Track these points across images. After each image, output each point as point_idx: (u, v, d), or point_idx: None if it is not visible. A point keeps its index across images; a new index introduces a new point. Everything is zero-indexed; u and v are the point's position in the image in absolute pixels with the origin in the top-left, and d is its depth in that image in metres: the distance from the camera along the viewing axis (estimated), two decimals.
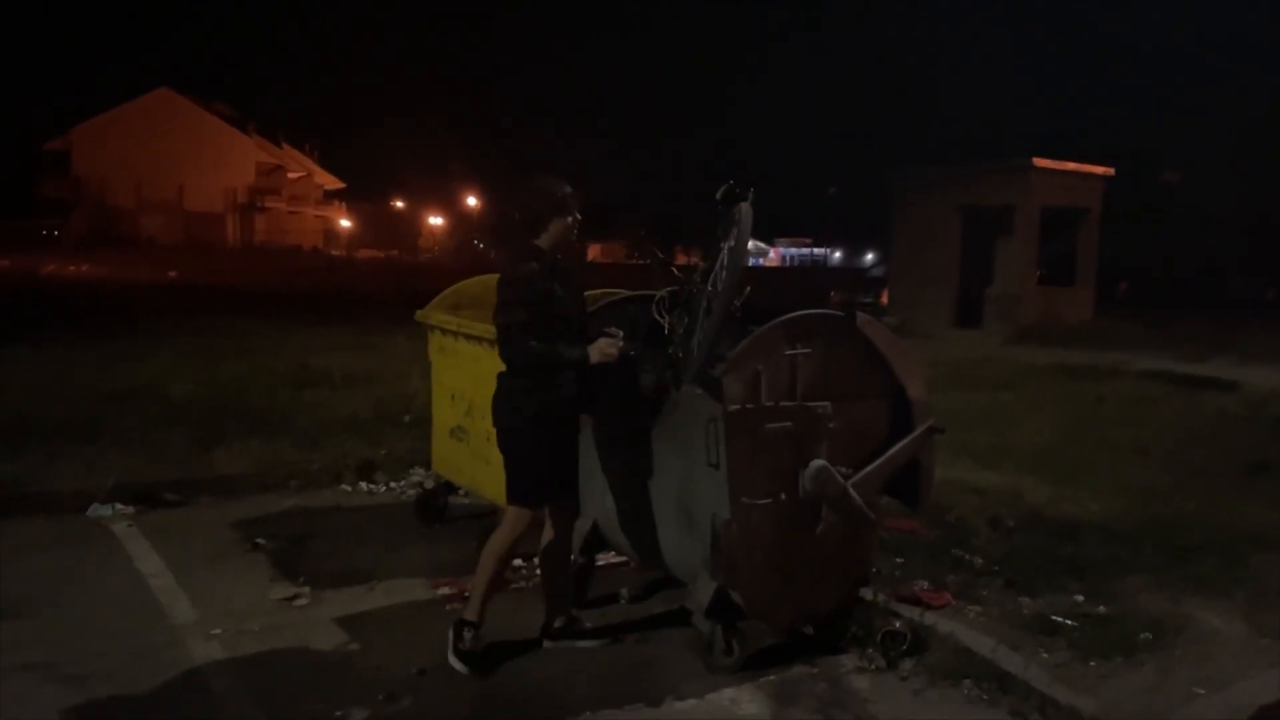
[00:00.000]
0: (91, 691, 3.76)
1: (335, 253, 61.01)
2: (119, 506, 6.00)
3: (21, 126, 61.30)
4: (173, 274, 31.08)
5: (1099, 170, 21.65)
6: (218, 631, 4.34)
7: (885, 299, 25.06)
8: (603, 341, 3.94)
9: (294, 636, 4.34)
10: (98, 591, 4.78)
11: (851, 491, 4.13)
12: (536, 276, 3.88)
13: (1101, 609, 4.66)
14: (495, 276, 4.20)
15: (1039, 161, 20.34)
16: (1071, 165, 21.18)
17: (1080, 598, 4.80)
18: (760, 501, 3.99)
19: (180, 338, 12.86)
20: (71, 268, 32.84)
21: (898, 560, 5.23)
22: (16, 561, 5.13)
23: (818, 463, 4.06)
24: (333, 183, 76.87)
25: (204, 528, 5.79)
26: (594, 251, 70.94)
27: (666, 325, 4.47)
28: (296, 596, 4.78)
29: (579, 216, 4.00)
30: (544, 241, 3.97)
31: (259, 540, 5.56)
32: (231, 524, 5.86)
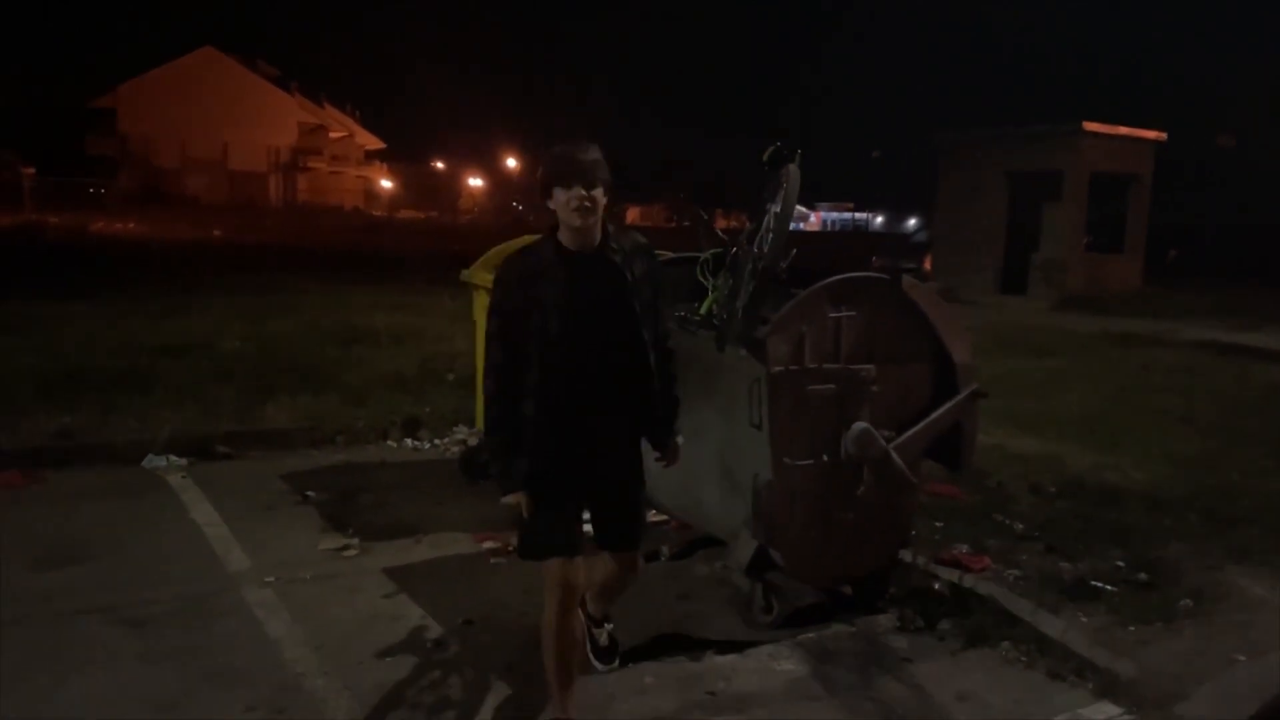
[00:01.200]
0: (153, 633, 3.91)
1: (376, 213, 61.39)
2: (173, 458, 6.16)
3: (68, 84, 62.00)
4: (217, 232, 31.42)
5: (1150, 135, 21.19)
6: (271, 579, 4.47)
7: (928, 264, 24.81)
8: (513, 498, 3.00)
9: (344, 585, 4.46)
10: (155, 539, 4.94)
11: (893, 454, 4.15)
12: (512, 269, 3.01)
13: (1142, 575, 4.67)
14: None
15: (1089, 126, 19.94)
16: (1123, 130, 20.74)
17: (1121, 564, 4.81)
18: (802, 462, 4.03)
19: (227, 295, 13.06)
20: (119, 225, 33.29)
21: (938, 524, 5.25)
22: (77, 510, 5.30)
23: (860, 425, 4.08)
24: (374, 143, 77.21)
25: (255, 480, 5.94)
26: (633, 214, 70.76)
27: (711, 287, 4.50)
28: (346, 547, 4.90)
29: (588, 193, 2.89)
30: (554, 217, 3.01)
31: (308, 493, 5.69)
32: (281, 476, 6.00)
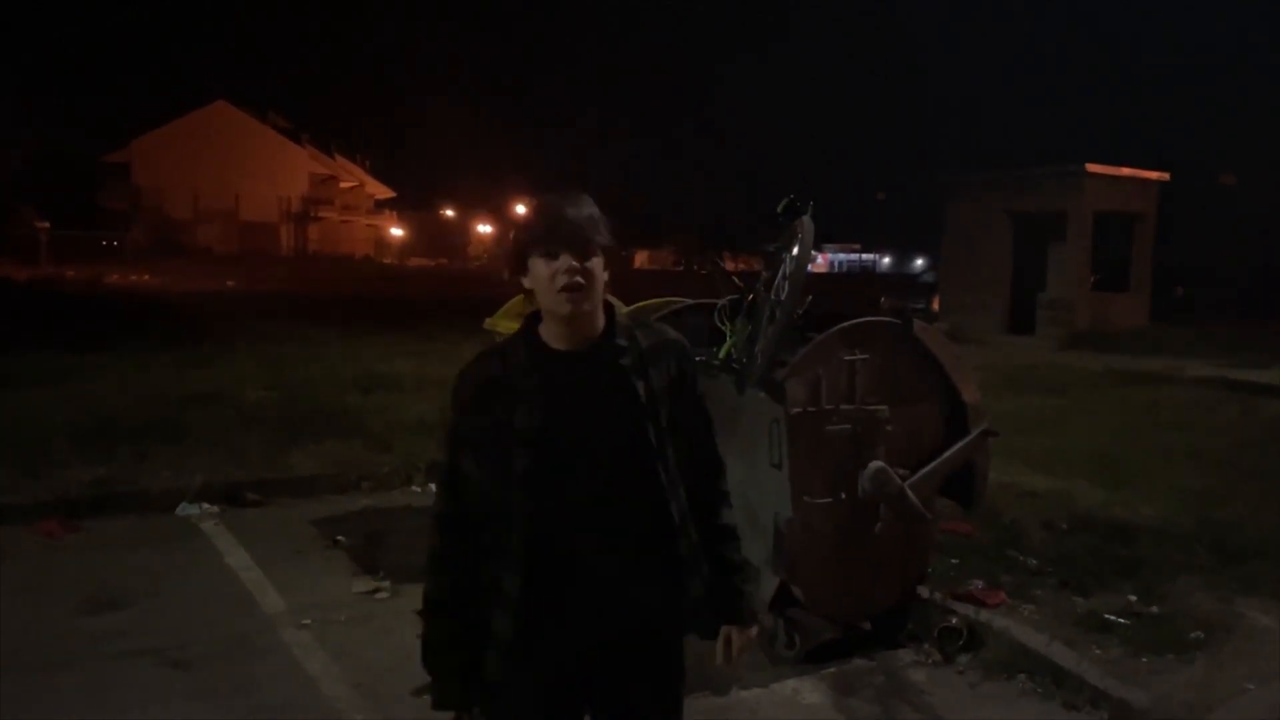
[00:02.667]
0: (198, 673, 4.06)
1: (387, 261, 61.97)
2: (205, 505, 6.34)
3: (83, 139, 62.95)
4: (230, 283, 31.84)
5: (1153, 175, 21.46)
6: (307, 621, 4.62)
7: (936, 305, 25.02)
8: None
9: (378, 626, 4.61)
10: (192, 584, 5.10)
11: (909, 492, 4.30)
12: (466, 381, 2.10)
13: (1154, 608, 4.79)
14: None
15: (1091, 167, 20.23)
16: (1126, 170, 21.03)
17: (1133, 597, 4.93)
18: (821, 501, 4.19)
19: (246, 344, 13.29)
20: (134, 277, 33.76)
21: (953, 561, 5.38)
22: (116, 557, 5.46)
23: (876, 464, 4.24)
24: (384, 192, 78.07)
25: (285, 525, 6.10)
26: (641, 258, 71.30)
27: (729, 332, 4.68)
28: (377, 590, 5.05)
29: (581, 264, 2.00)
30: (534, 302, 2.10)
31: (338, 537, 5.85)
32: (311, 522, 6.16)
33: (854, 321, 4.23)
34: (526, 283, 2.06)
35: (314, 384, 10.03)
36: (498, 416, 2.02)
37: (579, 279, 1.98)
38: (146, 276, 34.07)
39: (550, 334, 2.06)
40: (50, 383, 9.59)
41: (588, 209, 2.05)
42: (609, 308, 2.11)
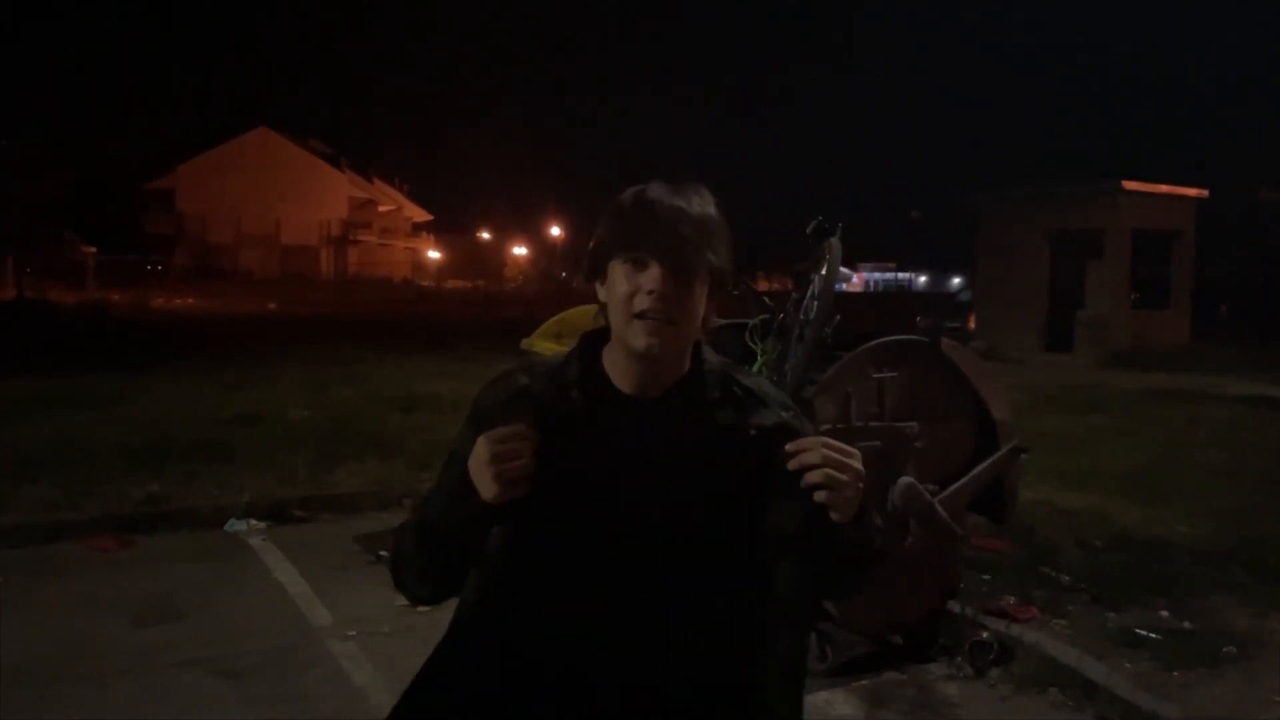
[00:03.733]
0: (249, 682, 4.21)
1: (424, 283, 62.65)
2: (253, 522, 6.52)
3: (128, 166, 64.41)
4: (272, 306, 32.43)
5: (1191, 192, 21.33)
6: (353, 633, 4.77)
7: (972, 323, 24.94)
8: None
9: (421, 638, 4.73)
10: (243, 597, 5.26)
11: (938, 507, 4.38)
12: (498, 387, 1.58)
13: (1186, 624, 4.81)
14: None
15: (1128, 184, 20.15)
16: (1163, 187, 20.92)
17: (1165, 613, 4.96)
18: None
19: (288, 365, 13.57)
20: (178, 301, 34.47)
21: (985, 577, 5.42)
22: (168, 571, 5.65)
23: (905, 480, 4.32)
24: (421, 215, 79.08)
25: (330, 541, 6.27)
26: None
27: (760, 351, 4.79)
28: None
29: (673, 278, 1.44)
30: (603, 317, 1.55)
31: (381, 553, 5.99)
32: (355, 538, 6.32)
33: (883, 340, 4.33)
34: (601, 294, 1.48)
35: (355, 404, 10.25)
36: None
37: (667, 307, 1.39)
38: (191, 300, 34.78)
39: (614, 366, 1.49)
40: (101, 404, 9.88)
41: (703, 208, 1.47)
42: (699, 349, 1.52)
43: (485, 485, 1.35)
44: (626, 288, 1.43)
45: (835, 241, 4.23)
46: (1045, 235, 21.28)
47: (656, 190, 1.48)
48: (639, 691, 1.39)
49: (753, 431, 1.49)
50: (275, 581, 5.53)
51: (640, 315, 1.41)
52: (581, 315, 6.32)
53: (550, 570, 1.43)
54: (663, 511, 1.43)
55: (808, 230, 4.49)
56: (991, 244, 22.87)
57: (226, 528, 6.44)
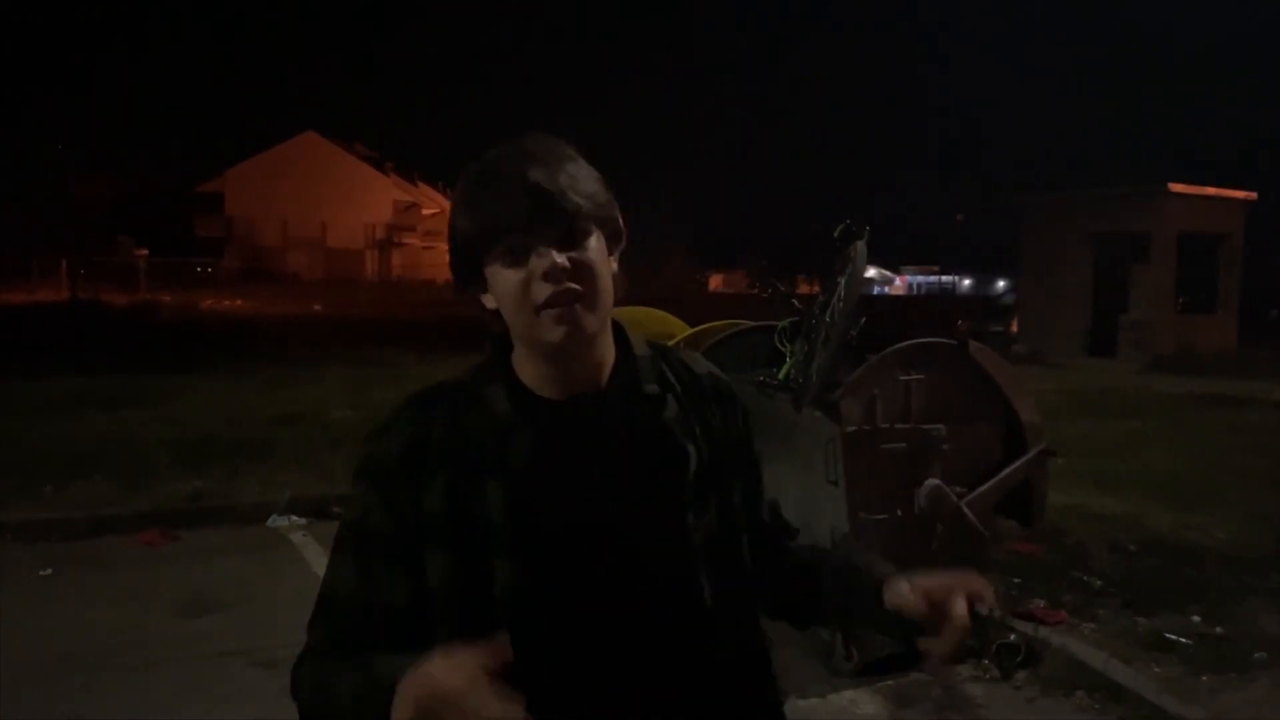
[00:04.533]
0: (285, 674, 4.32)
1: None
2: (294, 518, 6.69)
3: (180, 170, 65.69)
4: (317, 308, 32.87)
5: (1240, 195, 21.00)
6: None
7: (1015, 327, 24.71)
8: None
9: None
10: (283, 590, 5.40)
11: (965, 509, 4.40)
12: (392, 439, 1.26)
13: (1218, 629, 4.79)
14: (638, 309, 4.21)
15: (1174, 186, 19.88)
16: (1210, 190, 20.62)
17: (1197, 618, 4.94)
18: (877, 517, 4.31)
19: (332, 366, 13.81)
20: (227, 302, 35.06)
21: (1015, 580, 5.43)
22: (211, 565, 5.82)
23: (932, 482, 4.35)
24: None
25: None
26: (716, 281, 71.45)
27: (788, 353, 4.85)
28: None
29: (566, 255, 1.18)
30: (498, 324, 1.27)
31: None
32: None
33: (909, 343, 4.36)
34: (489, 302, 1.26)
35: (395, 405, 10.41)
36: (436, 502, 1.20)
37: (571, 284, 1.18)
38: (239, 302, 35.35)
39: (530, 374, 1.26)
40: (150, 403, 10.15)
41: (566, 162, 1.22)
42: (620, 333, 1.32)
43: None
44: (515, 283, 1.19)
45: (861, 245, 4.28)
46: (1089, 238, 21.04)
47: (502, 160, 1.22)
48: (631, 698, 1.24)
49: (700, 426, 1.32)
50: (314, 575, 5.65)
51: (544, 306, 1.18)
52: (621, 314, 6.37)
53: (525, 608, 1.19)
54: (627, 526, 1.24)
55: (835, 234, 4.54)
56: (1035, 247, 22.65)
57: (268, 523, 6.61)
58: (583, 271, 1.19)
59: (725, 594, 1.29)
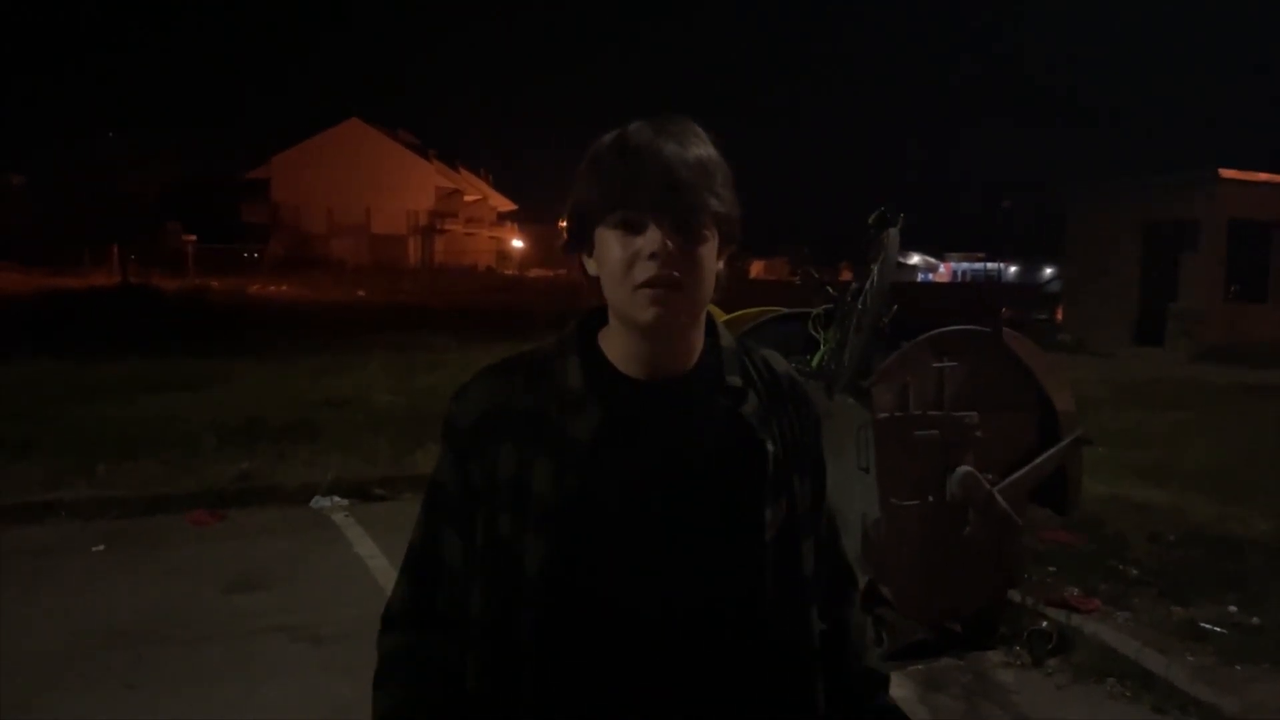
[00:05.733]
0: (329, 649, 4.46)
1: (508, 272, 63.47)
2: (337, 499, 6.84)
3: (227, 157, 66.68)
4: (361, 293, 33.24)
5: None
6: None
7: (1060, 315, 24.41)
8: None
9: None
10: (325, 569, 5.55)
11: (998, 497, 4.41)
12: (473, 401, 1.29)
13: (1255, 620, 4.77)
14: None
15: (1225, 173, 19.49)
16: (1263, 176, 20.17)
17: (1234, 608, 4.91)
18: (908, 503, 4.33)
19: (376, 352, 13.99)
20: (273, 288, 35.56)
21: (1050, 569, 5.43)
22: (257, 544, 5.97)
23: (964, 468, 4.36)
24: (505, 205, 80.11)
25: (409, 519, 6.28)
26: (756, 269, 71.18)
27: (822, 340, 4.87)
28: None
29: (673, 239, 1.19)
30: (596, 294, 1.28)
31: None
32: None
33: (942, 330, 4.37)
34: (591, 266, 1.26)
35: (438, 390, 10.53)
36: (516, 469, 1.22)
37: (673, 271, 1.18)
38: (285, 287, 35.84)
39: (617, 350, 1.27)
40: (198, 387, 10.38)
41: (700, 148, 1.23)
42: (709, 322, 1.33)
43: None
44: (622, 255, 1.20)
45: (894, 232, 4.29)
46: (1138, 226, 20.73)
47: (640, 133, 1.22)
48: (677, 693, 1.24)
49: (780, 425, 1.33)
50: (356, 555, 5.80)
51: (643, 285, 1.19)
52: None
53: (569, 579, 1.21)
54: (688, 511, 1.24)
55: (870, 220, 4.55)
56: (1082, 235, 22.36)
57: (312, 504, 6.77)
58: (688, 262, 1.20)
59: (785, 592, 1.29)
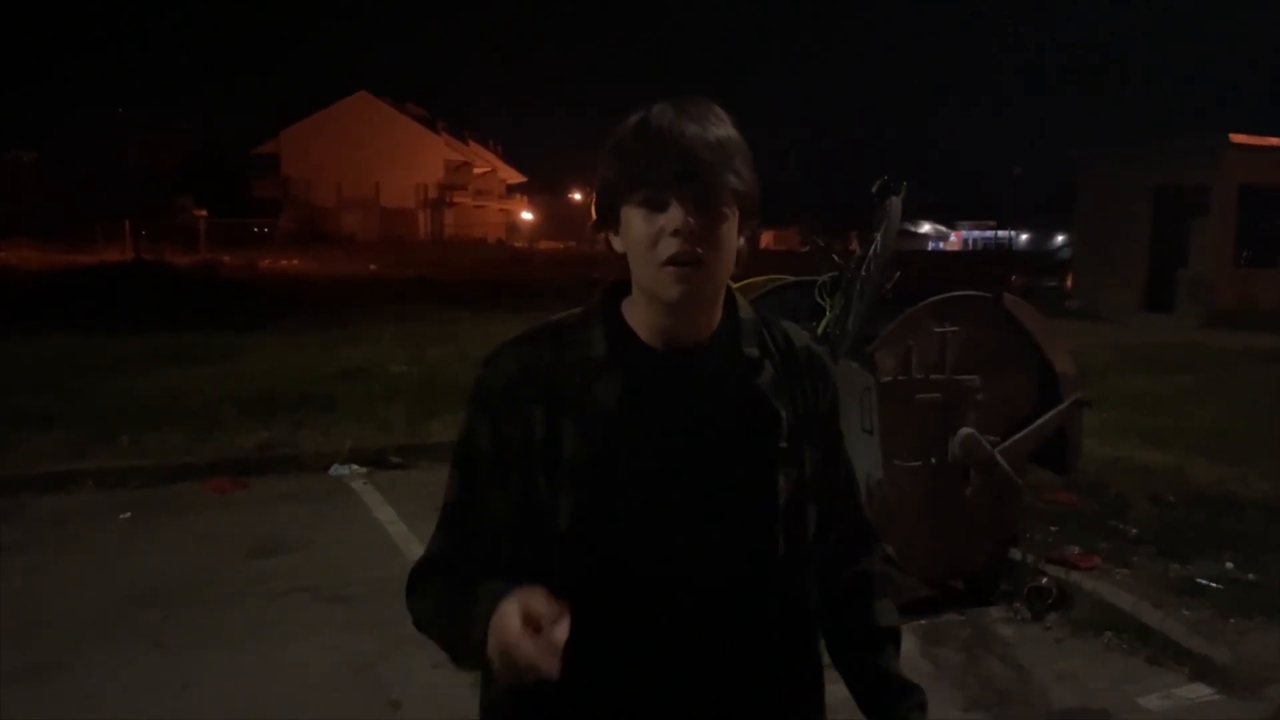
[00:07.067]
0: (352, 609, 4.63)
1: (518, 245, 63.49)
2: (355, 467, 7.00)
3: (236, 132, 66.67)
4: (372, 267, 33.32)
5: None
6: None
7: (1070, 282, 24.42)
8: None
9: None
10: (345, 534, 5.71)
11: (999, 458, 4.54)
12: (503, 369, 1.36)
13: (1250, 576, 4.89)
14: None
15: (1236, 137, 19.42)
16: (1274, 141, 20.08)
17: (1230, 565, 5.03)
18: (911, 464, 4.46)
19: (388, 324, 14.14)
20: (284, 262, 35.68)
21: (1052, 528, 5.56)
22: (278, 510, 6.14)
23: (965, 430, 4.49)
24: (515, 177, 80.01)
25: (425, 486, 6.64)
26: (767, 239, 71.03)
27: (828, 307, 4.98)
28: None
29: (699, 218, 1.25)
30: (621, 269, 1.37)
31: None
32: None
33: (943, 296, 4.48)
34: (617, 244, 1.33)
35: (450, 361, 10.69)
36: (544, 431, 1.29)
37: (696, 248, 1.24)
38: (296, 261, 35.94)
39: (640, 321, 1.34)
40: (215, 359, 10.55)
41: (721, 129, 1.29)
42: (729, 294, 1.39)
43: (500, 674, 1.19)
44: (646, 232, 1.27)
45: (896, 200, 4.38)
46: (1148, 192, 20.68)
47: (662, 114, 1.29)
48: (695, 643, 1.32)
49: (798, 393, 1.40)
50: (375, 520, 5.97)
51: (668, 262, 1.25)
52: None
53: (596, 536, 1.29)
54: (706, 475, 1.32)
55: (873, 189, 4.64)
56: (1092, 201, 22.32)
57: (330, 472, 6.93)
58: (710, 239, 1.26)
59: (792, 552, 1.37)
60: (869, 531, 1.57)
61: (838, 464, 1.49)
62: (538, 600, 1.15)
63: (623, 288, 1.37)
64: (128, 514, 5.99)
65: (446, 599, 1.32)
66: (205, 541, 5.56)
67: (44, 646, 4.16)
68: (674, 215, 1.25)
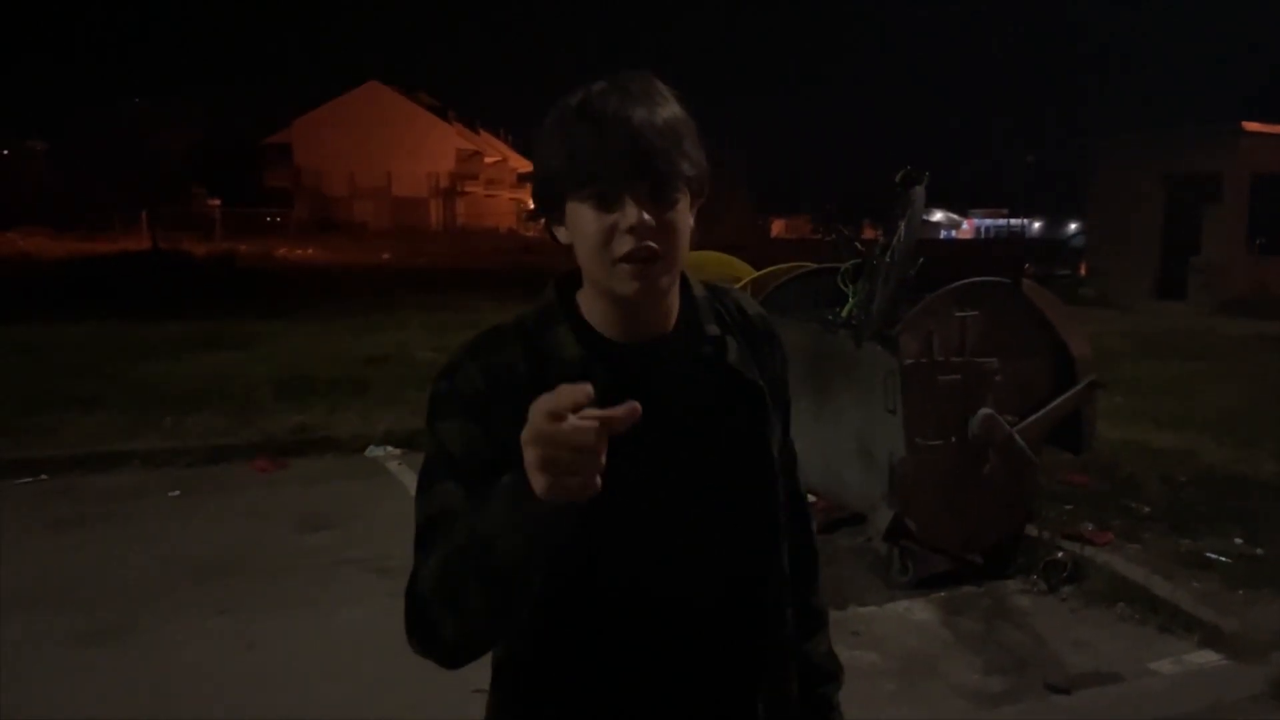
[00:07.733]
0: (396, 579, 4.76)
1: (529, 233, 63.71)
2: (389, 448, 7.23)
3: (250, 122, 66.99)
4: (386, 256, 33.61)
5: None
6: None
7: (1084, 269, 24.52)
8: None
9: None
10: (384, 511, 5.94)
11: (1016, 437, 4.74)
12: (466, 378, 1.24)
13: (1259, 550, 5.10)
14: (705, 253, 4.44)
15: (1249, 125, 19.51)
16: None
17: (1239, 540, 5.24)
18: (932, 443, 4.67)
19: (410, 312, 14.41)
20: (299, 251, 35.97)
21: (1067, 507, 5.76)
22: (318, 488, 6.38)
23: (984, 411, 4.69)
24: (526, 166, 79.96)
25: None
26: (778, 227, 71.06)
27: (851, 293, 5.19)
28: None
29: (650, 209, 1.17)
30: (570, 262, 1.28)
31: None
32: None
33: (964, 282, 4.68)
34: (562, 235, 1.25)
35: (458, 348, 10.94)
36: (516, 443, 1.01)
37: (651, 243, 1.18)
38: (311, 250, 36.23)
39: (597, 315, 1.27)
40: (246, 346, 10.82)
41: (667, 109, 1.20)
42: (684, 280, 1.33)
43: (551, 485, 0.98)
44: (598, 229, 1.18)
45: (919, 189, 4.58)
46: (1161, 179, 20.79)
47: (606, 98, 1.18)
48: (688, 628, 1.28)
49: (766, 364, 1.39)
50: (410, 498, 6.08)
51: (624, 259, 1.18)
52: (713, 261, 6.71)
53: (598, 537, 1.19)
54: (695, 464, 1.27)
55: (897, 179, 4.84)
56: (1105, 189, 22.41)
57: (366, 453, 7.17)
58: (666, 232, 1.19)
59: (784, 531, 1.38)
60: (806, 505, 1.56)
61: (788, 432, 1.46)
62: (562, 394, 0.97)
63: (574, 280, 1.30)
64: (176, 492, 6.24)
65: (451, 548, 1.16)
66: (253, 517, 5.80)
67: (113, 612, 4.41)
68: (629, 213, 1.17)
